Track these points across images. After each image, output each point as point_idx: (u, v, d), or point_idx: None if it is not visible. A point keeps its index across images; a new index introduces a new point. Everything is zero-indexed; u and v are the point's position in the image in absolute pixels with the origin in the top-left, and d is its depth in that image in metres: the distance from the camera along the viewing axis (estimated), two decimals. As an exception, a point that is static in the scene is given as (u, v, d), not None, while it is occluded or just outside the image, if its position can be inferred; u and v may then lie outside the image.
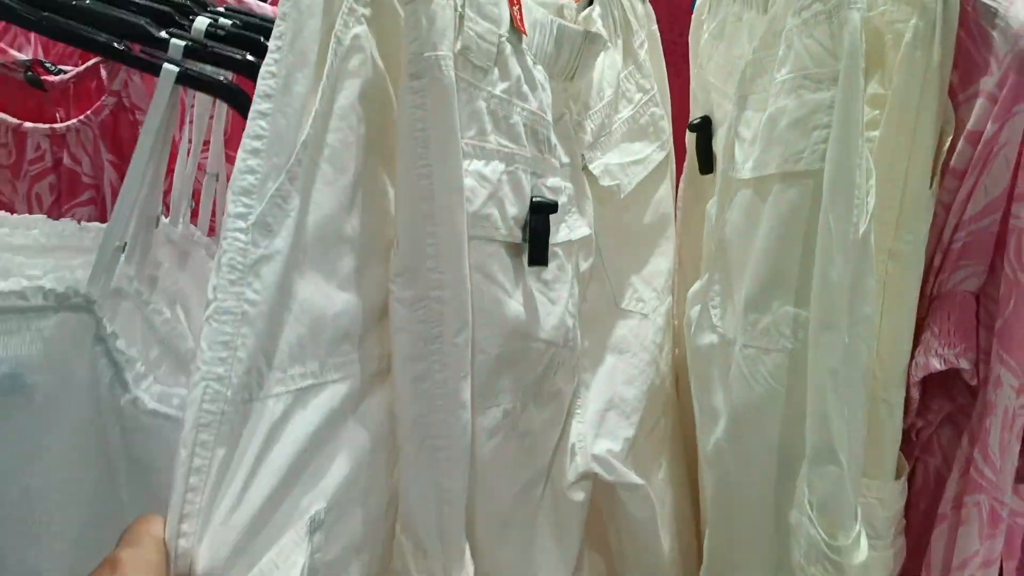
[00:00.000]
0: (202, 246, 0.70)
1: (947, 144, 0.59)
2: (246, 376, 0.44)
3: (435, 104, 0.49)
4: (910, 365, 0.62)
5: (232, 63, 0.61)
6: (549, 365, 0.64)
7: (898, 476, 0.66)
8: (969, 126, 0.56)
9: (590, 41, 0.69)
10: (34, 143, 0.86)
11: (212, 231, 0.74)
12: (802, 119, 0.59)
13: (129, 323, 0.57)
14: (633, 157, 0.75)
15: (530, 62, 0.61)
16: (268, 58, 0.46)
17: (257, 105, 0.45)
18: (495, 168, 0.56)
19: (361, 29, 0.50)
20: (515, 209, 0.58)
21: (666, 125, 0.79)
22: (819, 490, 0.61)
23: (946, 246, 0.60)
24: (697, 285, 0.79)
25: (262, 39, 0.62)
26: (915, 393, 0.63)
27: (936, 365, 0.60)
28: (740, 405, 0.69)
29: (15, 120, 0.86)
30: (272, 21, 0.47)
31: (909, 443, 0.69)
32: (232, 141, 0.76)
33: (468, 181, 0.53)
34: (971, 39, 0.56)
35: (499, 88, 0.56)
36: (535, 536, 0.67)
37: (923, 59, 0.56)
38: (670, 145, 0.80)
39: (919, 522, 0.69)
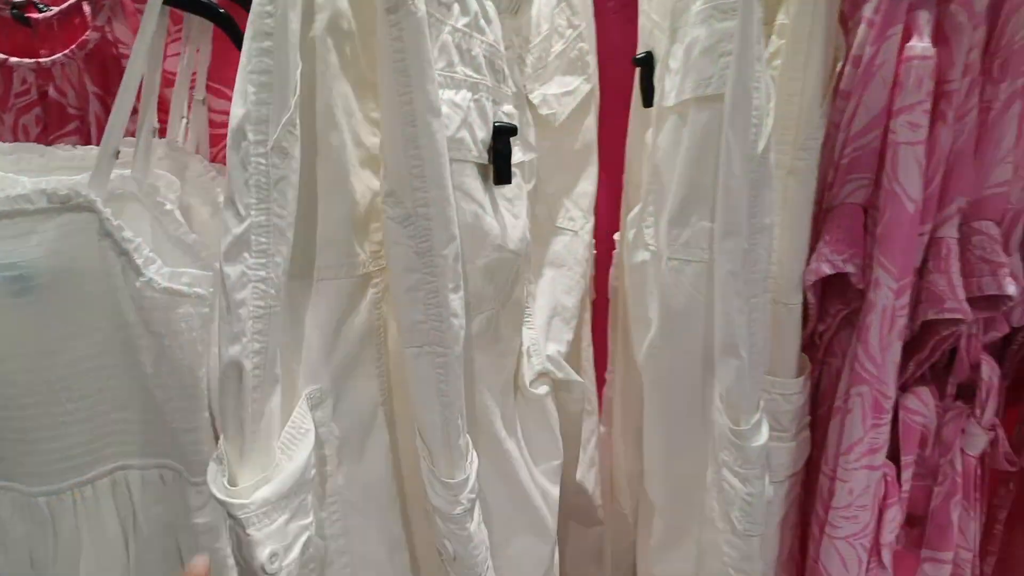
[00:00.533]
0: (198, 159, 0.77)
1: (838, 68, 0.65)
2: (282, 276, 0.52)
3: (411, 35, 0.54)
4: (806, 271, 0.69)
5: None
6: (516, 274, 0.72)
7: (800, 374, 0.74)
8: (853, 50, 0.62)
9: None
10: (20, 77, 0.92)
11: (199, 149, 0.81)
12: (711, 47, 0.65)
13: (136, 221, 0.63)
14: (565, 88, 0.81)
15: None
16: None
17: (258, 42, 0.50)
18: (464, 96, 0.61)
19: None
20: (482, 133, 0.63)
21: (591, 59, 0.85)
22: (725, 381, 0.69)
23: (837, 162, 0.66)
24: (635, 210, 0.86)
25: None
26: (812, 297, 0.70)
27: (825, 269, 0.67)
28: (668, 312, 0.76)
29: (1, 55, 0.91)
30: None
31: (814, 347, 0.76)
32: (213, 72, 0.83)
33: (443, 108, 0.58)
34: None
35: (461, 22, 0.61)
36: (525, 429, 0.76)
37: (815, -11, 0.62)
38: (595, 78, 0.86)
39: (826, 420, 0.77)
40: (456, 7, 0.60)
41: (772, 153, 0.65)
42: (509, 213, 0.69)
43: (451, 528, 0.62)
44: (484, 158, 0.64)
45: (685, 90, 0.70)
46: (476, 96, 0.63)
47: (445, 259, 0.58)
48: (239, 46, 0.68)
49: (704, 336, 0.74)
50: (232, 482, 0.51)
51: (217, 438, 0.62)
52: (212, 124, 0.85)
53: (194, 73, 0.79)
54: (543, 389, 0.77)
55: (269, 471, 0.52)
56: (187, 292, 0.62)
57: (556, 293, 0.82)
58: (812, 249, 0.69)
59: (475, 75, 0.63)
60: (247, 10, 0.69)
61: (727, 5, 0.64)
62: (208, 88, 0.83)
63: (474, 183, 0.63)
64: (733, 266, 0.65)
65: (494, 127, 0.65)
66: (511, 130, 0.66)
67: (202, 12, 0.73)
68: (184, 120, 0.79)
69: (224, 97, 0.84)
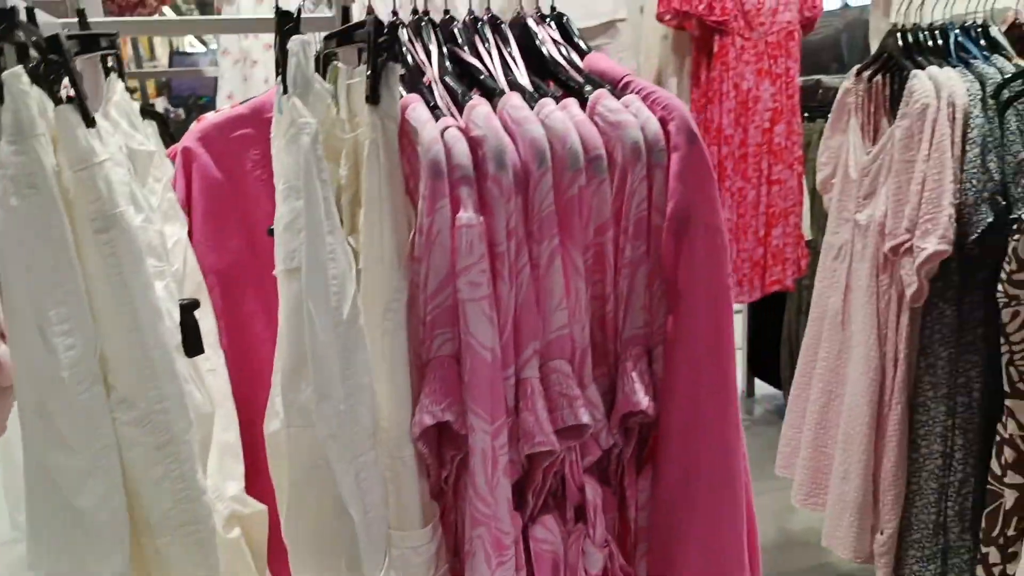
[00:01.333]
0: None
1: (412, 235, 0.70)
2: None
3: (125, 250, 0.61)
4: (412, 424, 0.72)
5: None
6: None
7: (426, 523, 0.75)
8: (418, 220, 0.68)
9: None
10: None
11: None
12: (291, 223, 0.69)
13: None
14: (175, 238, 0.81)
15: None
16: None
17: (55, 296, 0.59)
18: (160, 286, 0.67)
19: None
20: (176, 314, 0.69)
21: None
22: (343, 544, 0.68)
23: (423, 320, 0.71)
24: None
25: None
26: (423, 448, 0.73)
27: (428, 420, 0.70)
28: (295, 478, 0.75)
29: None
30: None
31: (445, 494, 0.79)
32: None
33: None
34: (413, 151, 0.69)
35: (139, 219, 0.65)
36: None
37: (377, 168, 0.68)
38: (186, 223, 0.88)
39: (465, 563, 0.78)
40: (131, 208, 0.65)
41: (361, 316, 0.69)
42: (200, 377, 0.73)
43: None
44: (180, 337, 0.69)
45: (279, 262, 0.72)
46: (165, 282, 0.69)
47: (189, 444, 0.64)
48: None
49: (334, 498, 0.74)
50: None
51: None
52: None
53: None
54: (236, 532, 0.79)
55: None
56: None
57: (216, 434, 0.81)
58: (416, 402, 0.72)
59: (159, 263, 0.68)
60: None
61: (298, 186, 0.68)
62: None
63: (182, 362, 0.67)
64: (331, 429, 0.67)
65: (180, 305, 0.70)
66: (195, 304, 0.72)
67: None
68: None
69: None
